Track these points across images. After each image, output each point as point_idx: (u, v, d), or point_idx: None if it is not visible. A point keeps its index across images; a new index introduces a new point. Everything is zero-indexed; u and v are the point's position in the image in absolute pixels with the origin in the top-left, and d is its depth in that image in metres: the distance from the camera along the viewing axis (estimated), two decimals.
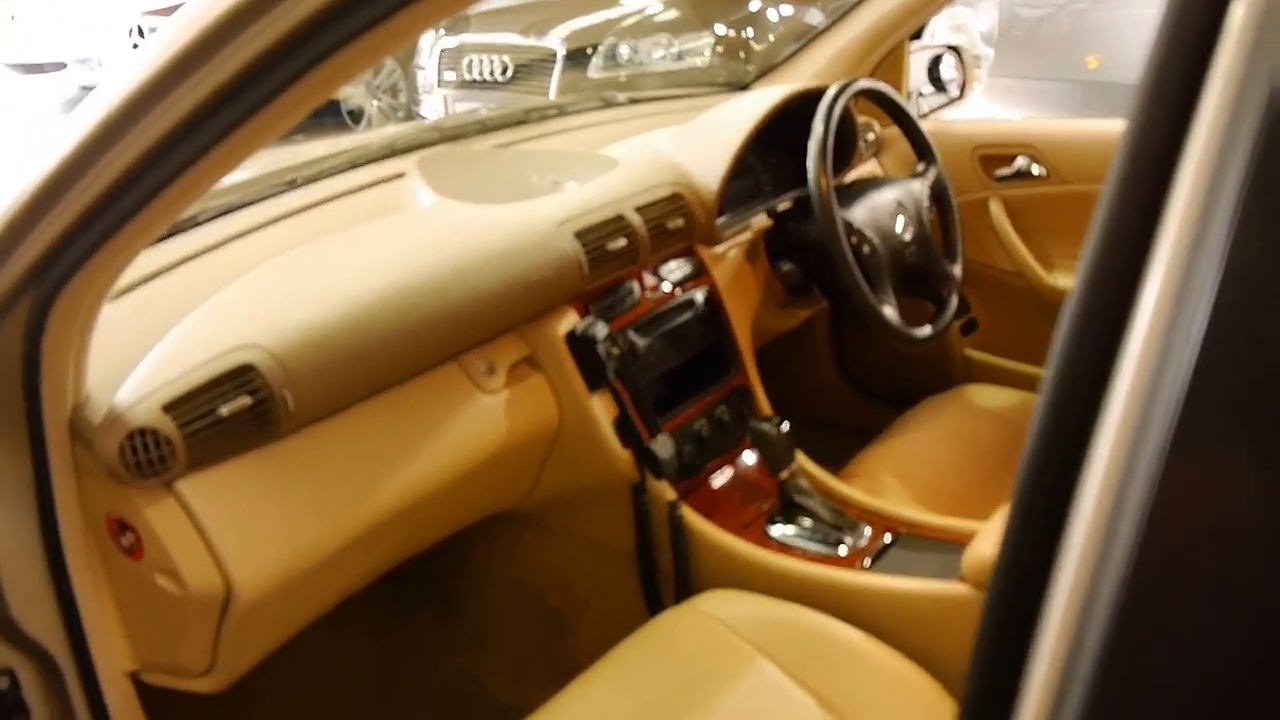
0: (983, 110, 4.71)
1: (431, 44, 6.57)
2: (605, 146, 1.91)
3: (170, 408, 1.16)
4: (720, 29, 4.85)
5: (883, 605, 1.52)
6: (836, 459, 1.84)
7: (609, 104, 2.21)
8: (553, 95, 5.20)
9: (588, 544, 1.78)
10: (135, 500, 1.18)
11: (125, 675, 1.27)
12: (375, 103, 6.97)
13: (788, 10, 4.74)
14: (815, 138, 1.78)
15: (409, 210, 1.62)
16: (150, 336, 1.22)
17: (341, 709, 1.91)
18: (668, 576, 1.69)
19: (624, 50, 5.14)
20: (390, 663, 1.98)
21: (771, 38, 4.70)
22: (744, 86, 2.37)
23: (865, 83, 1.89)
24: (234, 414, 1.20)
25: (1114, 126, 2.27)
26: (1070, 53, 4.45)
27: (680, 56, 4.93)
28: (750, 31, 4.76)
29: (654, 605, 1.72)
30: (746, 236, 1.91)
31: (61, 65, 8.52)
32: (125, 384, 1.17)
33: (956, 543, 1.61)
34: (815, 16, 4.69)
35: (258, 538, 1.25)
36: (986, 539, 1.43)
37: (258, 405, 1.22)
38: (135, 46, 7.44)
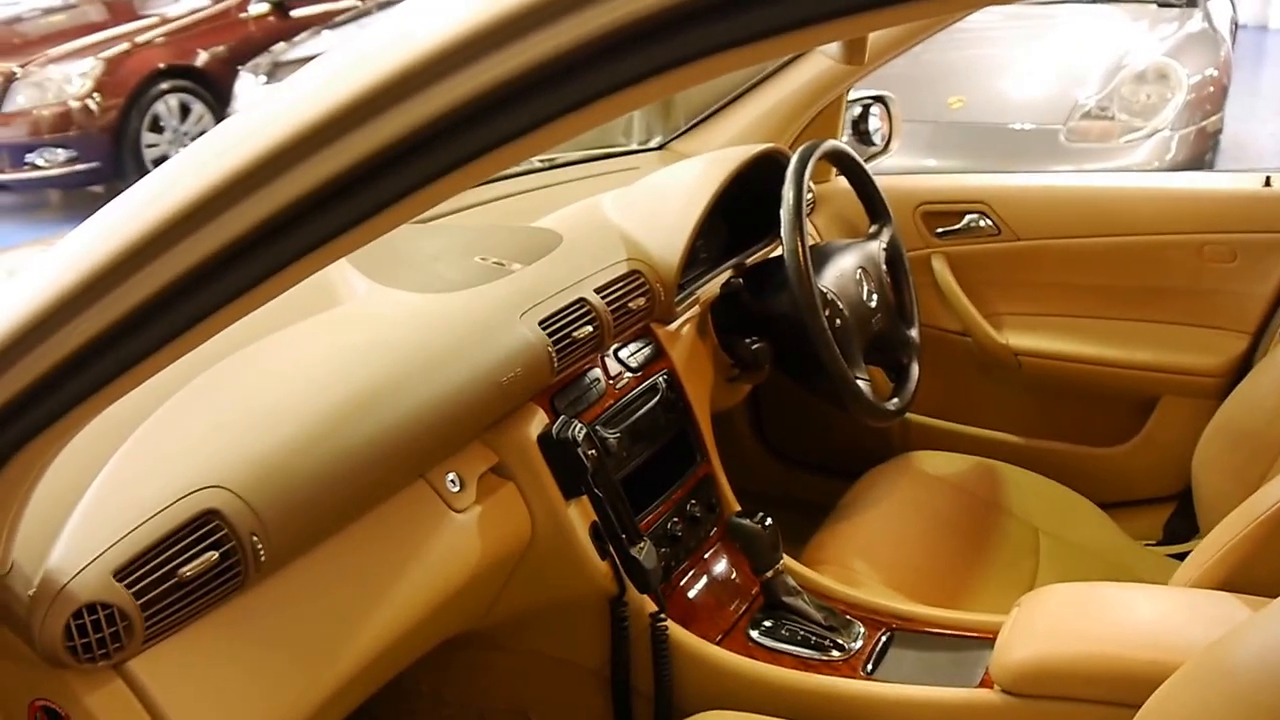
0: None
1: (252, 88, 6.26)
2: (536, 216, 1.75)
3: (123, 574, 0.94)
4: None
5: (897, 717, 1.41)
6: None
7: (527, 168, 2.05)
8: None
9: (547, 662, 1.61)
10: (73, 686, 0.96)
11: None
12: None
13: None
14: (788, 205, 1.66)
15: (345, 303, 1.42)
16: (66, 475, 0.99)
17: None
18: (642, 696, 1.53)
19: None
20: None
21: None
22: (661, 145, 2.25)
23: (830, 145, 1.79)
24: (198, 574, 0.99)
25: (1065, 181, 2.24)
26: (934, 94, 4.50)
27: None
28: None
29: None
30: (695, 311, 1.78)
31: None
32: (58, 544, 0.94)
33: (959, 637, 1.51)
34: None
35: (227, 716, 1.04)
36: (1018, 640, 1.33)
37: (225, 559, 1.01)
38: None
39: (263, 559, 1.04)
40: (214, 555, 1.00)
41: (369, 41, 0.63)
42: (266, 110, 0.65)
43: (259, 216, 0.64)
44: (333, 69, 0.63)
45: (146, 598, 0.96)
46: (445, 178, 0.62)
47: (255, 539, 1.03)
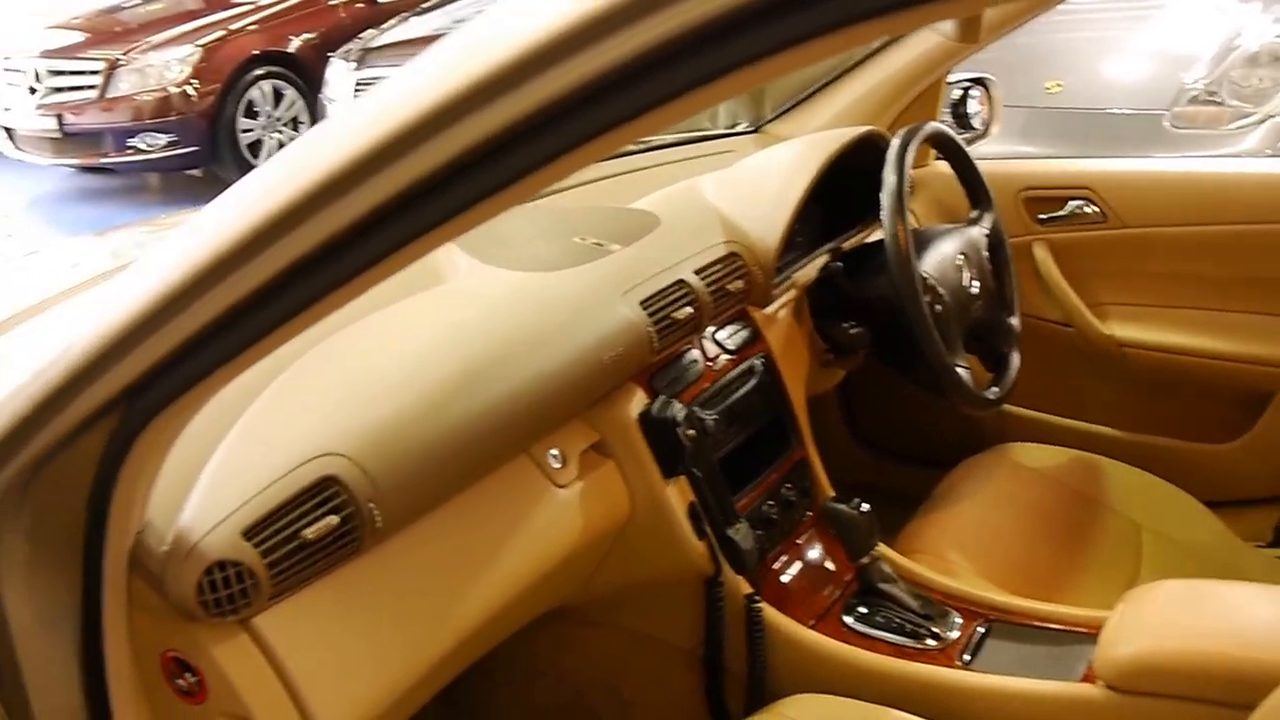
0: None
1: (342, 74, 6.33)
2: (632, 198, 1.75)
3: (250, 533, 0.98)
4: None
5: (996, 708, 1.38)
6: None
7: (623, 151, 2.04)
8: None
9: (639, 640, 1.61)
10: (201, 639, 1.00)
11: None
12: (276, 136, 6.70)
13: None
14: (890, 189, 1.63)
15: (449, 280, 1.44)
16: (190, 442, 1.03)
17: None
18: (734, 676, 1.53)
19: None
20: None
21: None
22: (757, 128, 2.23)
23: (933, 127, 1.77)
24: (319, 536, 1.02)
25: (1176, 166, 2.17)
26: (1030, 77, 4.40)
27: None
28: None
29: (717, 710, 1.55)
30: (792, 294, 1.77)
31: None
32: (189, 503, 0.99)
33: (1060, 631, 1.48)
34: None
35: (343, 674, 1.08)
36: (1126, 635, 1.29)
37: (344, 524, 1.04)
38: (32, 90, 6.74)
39: (378, 525, 1.07)
40: (334, 519, 1.03)
41: (500, 17, 0.63)
42: (399, 88, 0.66)
43: (393, 190, 0.65)
44: (469, 42, 0.64)
45: (272, 557, 0.99)
46: (571, 154, 0.62)
47: (372, 506, 1.06)
